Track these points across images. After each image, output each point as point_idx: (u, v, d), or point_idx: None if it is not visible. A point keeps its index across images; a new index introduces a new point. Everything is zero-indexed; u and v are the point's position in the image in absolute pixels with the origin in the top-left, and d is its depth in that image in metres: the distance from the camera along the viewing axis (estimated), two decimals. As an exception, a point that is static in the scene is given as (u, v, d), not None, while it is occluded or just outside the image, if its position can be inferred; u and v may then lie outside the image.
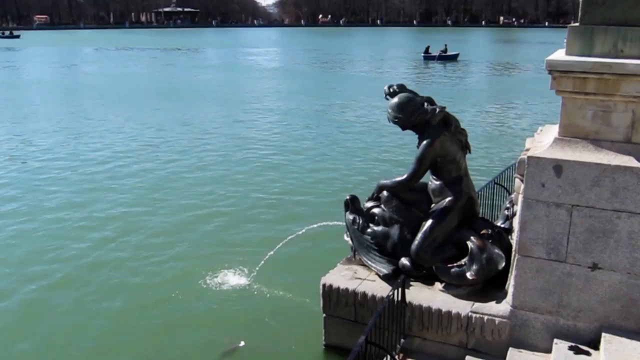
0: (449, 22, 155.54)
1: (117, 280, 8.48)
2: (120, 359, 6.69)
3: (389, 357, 5.09)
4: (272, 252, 8.07)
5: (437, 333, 5.52)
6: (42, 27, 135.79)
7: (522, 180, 5.17)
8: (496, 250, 5.57)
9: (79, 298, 8.01)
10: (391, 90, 6.11)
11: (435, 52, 51.18)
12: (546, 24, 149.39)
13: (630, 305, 4.76)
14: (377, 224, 6.30)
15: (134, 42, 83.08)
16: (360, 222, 6.35)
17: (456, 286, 5.66)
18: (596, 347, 4.80)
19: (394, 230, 6.16)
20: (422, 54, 51.80)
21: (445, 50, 51.26)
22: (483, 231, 5.77)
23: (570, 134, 4.86)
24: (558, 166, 4.76)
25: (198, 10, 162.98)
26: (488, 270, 5.53)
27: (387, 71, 43.14)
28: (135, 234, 10.26)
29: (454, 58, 50.25)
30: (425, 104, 5.95)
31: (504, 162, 13.39)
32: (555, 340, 4.95)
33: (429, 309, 5.50)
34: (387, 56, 56.93)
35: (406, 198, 6.16)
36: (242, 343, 6.76)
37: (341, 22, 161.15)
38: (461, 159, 5.98)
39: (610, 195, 4.65)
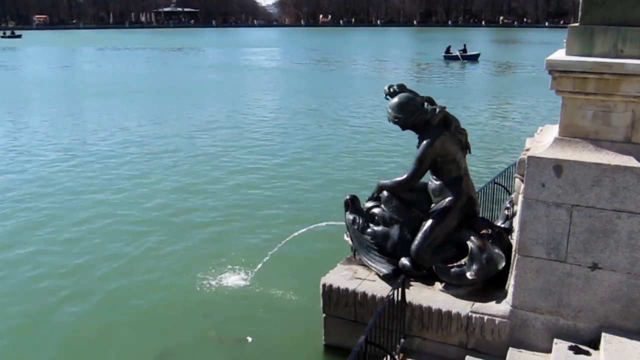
0: (450, 23, 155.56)
1: (115, 280, 8.48)
2: (120, 357, 6.69)
3: (389, 357, 5.08)
4: (272, 252, 8.06)
5: (437, 333, 5.52)
6: (42, 27, 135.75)
7: (522, 180, 5.18)
8: (496, 250, 5.58)
9: (80, 299, 8.01)
10: (391, 90, 6.11)
11: (455, 52, 51.27)
12: (546, 24, 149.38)
13: (630, 305, 4.76)
14: (377, 224, 6.30)
15: (135, 42, 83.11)
16: (360, 222, 6.35)
17: (456, 286, 5.66)
18: (596, 347, 4.81)
19: (394, 230, 6.16)
20: (443, 54, 51.88)
21: (464, 50, 51.31)
22: (483, 231, 5.77)
23: (570, 134, 4.86)
24: (558, 166, 4.76)
25: (198, 10, 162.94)
26: (488, 270, 5.53)
27: (407, 71, 42.98)
28: (134, 233, 10.25)
29: (474, 58, 50.24)
30: (425, 104, 5.95)
31: (504, 162, 13.40)
32: (555, 340, 4.95)
33: (429, 309, 5.50)
34: (407, 56, 56.31)
35: (406, 198, 6.16)
36: (250, 339, 6.79)
37: (341, 22, 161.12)
38: (461, 159, 5.98)
39: (610, 195, 4.65)
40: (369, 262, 6.21)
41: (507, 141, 17.94)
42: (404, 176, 6.05)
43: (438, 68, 45.30)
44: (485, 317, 5.28)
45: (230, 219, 11.03)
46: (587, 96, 4.73)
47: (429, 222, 5.85)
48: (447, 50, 52.06)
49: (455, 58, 50.28)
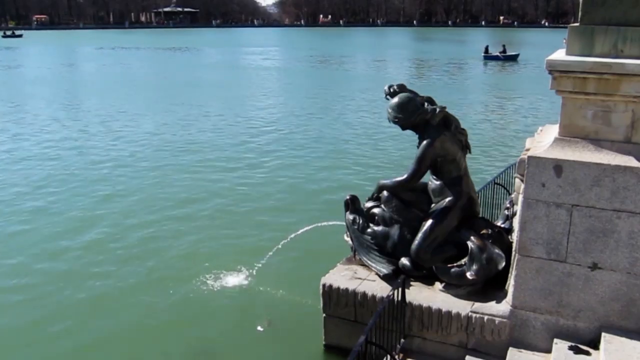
0: (450, 23, 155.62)
1: (114, 282, 8.48)
2: (120, 357, 6.70)
3: (389, 357, 5.09)
4: (272, 252, 8.07)
5: (437, 333, 5.52)
6: (42, 27, 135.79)
7: (522, 180, 5.18)
8: (496, 250, 5.58)
9: (84, 299, 8.01)
10: (391, 90, 6.11)
11: (495, 52, 51.42)
12: (546, 24, 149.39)
13: (630, 305, 4.76)
14: (377, 224, 6.30)
15: (135, 42, 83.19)
16: (360, 222, 6.35)
17: (456, 286, 5.66)
18: (596, 347, 4.81)
19: (394, 230, 6.16)
20: (483, 54, 52.10)
21: (504, 51, 51.50)
22: (483, 231, 5.77)
23: (570, 134, 4.86)
24: (558, 166, 4.76)
25: (198, 10, 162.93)
26: (488, 270, 5.53)
27: (448, 71, 42.91)
28: (134, 234, 10.25)
29: (514, 58, 50.37)
30: (426, 104, 5.95)
31: (504, 162, 13.40)
32: (555, 340, 4.95)
33: (429, 309, 5.50)
34: (445, 56, 55.62)
35: (406, 198, 6.15)
36: (250, 339, 6.83)
37: (341, 22, 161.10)
38: (461, 159, 5.97)
39: (610, 195, 4.65)
40: (369, 262, 6.21)
41: (507, 141, 17.94)
42: (404, 176, 6.05)
43: (477, 68, 45.38)
44: (485, 317, 5.28)
45: (230, 218, 11.03)
46: (587, 96, 4.73)
47: (429, 222, 5.85)
48: (486, 50, 52.26)
49: (495, 58, 50.40)
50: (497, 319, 5.23)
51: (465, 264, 5.61)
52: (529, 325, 5.13)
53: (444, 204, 5.86)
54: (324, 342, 6.30)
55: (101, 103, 26.40)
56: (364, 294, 5.85)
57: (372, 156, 15.95)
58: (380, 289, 5.86)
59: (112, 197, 12.37)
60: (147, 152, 16.54)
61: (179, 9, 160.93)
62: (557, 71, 4.72)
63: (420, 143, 5.90)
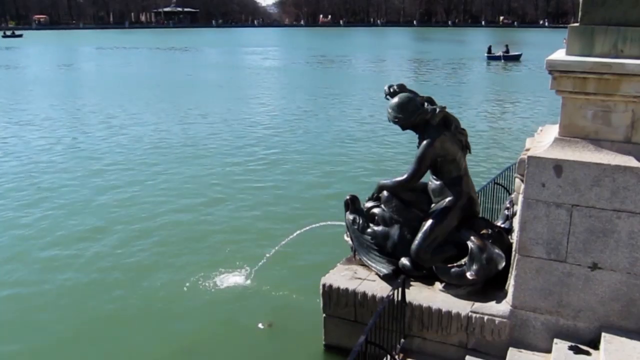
0: (450, 23, 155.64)
1: (115, 281, 8.48)
2: (120, 356, 6.70)
3: (389, 357, 5.09)
4: (272, 252, 8.07)
5: (437, 333, 5.52)
6: (42, 27, 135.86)
7: (522, 180, 5.18)
8: (496, 250, 5.58)
9: (85, 300, 8.01)
10: (391, 90, 6.11)
11: (497, 52, 51.53)
12: (546, 24, 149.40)
13: (630, 305, 4.76)
14: (377, 224, 6.30)
15: (135, 41, 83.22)
16: (360, 222, 6.35)
17: (456, 286, 5.66)
18: (596, 347, 4.81)
19: (394, 230, 6.16)
20: (486, 54, 52.27)
21: (507, 51, 51.62)
22: (483, 231, 5.77)
23: (570, 134, 4.86)
24: (558, 166, 4.76)
25: (198, 10, 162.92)
26: (488, 270, 5.53)
27: (451, 71, 43.03)
28: (134, 235, 10.25)
29: (516, 58, 50.51)
30: (426, 103, 5.96)
31: (504, 162, 13.40)
32: (555, 340, 4.95)
33: (429, 309, 5.51)
34: (446, 57, 55.59)
35: (406, 198, 6.15)
36: (250, 339, 6.82)
37: (341, 22, 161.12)
38: (461, 159, 5.98)
39: (610, 195, 4.65)
40: (369, 262, 6.21)
41: (507, 141, 17.94)
42: (404, 176, 6.05)
43: (479, 68, 45.51)
44: (485, 317, 5.28)
45: (229, 219, 11.03)
46: (587, 96, 4.73)
47: (429, 222, 5.85)
48: (489, 51, 52.37)
49: (498, 58, 50.50)
50: (497, 319, 5.23)
51: (465, 264, 5.61)
52: (529, 325, 5.13)
53: (444, 204, 5.86)
54: (324, 342, 6.30)
55: (101, 103, 26.39)
56: (364, 294, 5.85)
57: (372, 156, 15.94)
58: (380, 289, 5.86)
59: (109, 198, 12.36)
60: (146, 153, 16.52)
61: (179, 9, 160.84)
62: (557, 71, 4.72)
63: (420, 143, 5.90)
